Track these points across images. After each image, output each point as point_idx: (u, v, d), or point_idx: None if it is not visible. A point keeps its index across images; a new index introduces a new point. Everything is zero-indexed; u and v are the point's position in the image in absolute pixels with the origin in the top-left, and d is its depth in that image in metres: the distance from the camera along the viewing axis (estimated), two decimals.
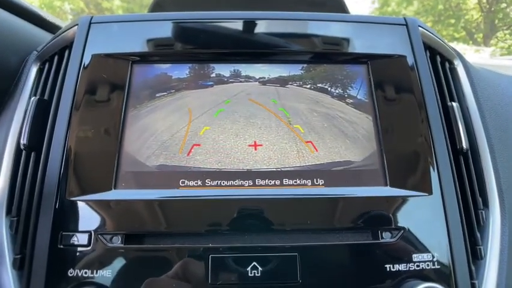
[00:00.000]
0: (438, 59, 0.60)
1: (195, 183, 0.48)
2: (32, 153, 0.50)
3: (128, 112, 0.51)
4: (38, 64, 0.60)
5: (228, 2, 0.97)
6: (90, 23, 0.56)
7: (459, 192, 0.49)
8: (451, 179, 0.49)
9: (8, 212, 0.49)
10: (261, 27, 0.56)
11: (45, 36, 0.74)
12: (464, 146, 0.52)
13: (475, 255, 0.48)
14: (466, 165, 0.52)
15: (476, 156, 0.54)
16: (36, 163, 0.50)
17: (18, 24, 0.67)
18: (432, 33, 0.60)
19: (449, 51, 0.61)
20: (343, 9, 0.98)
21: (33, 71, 0.59)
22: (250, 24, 0.56)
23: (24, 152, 0.51)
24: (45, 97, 0.54)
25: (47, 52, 0.59)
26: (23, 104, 0.55)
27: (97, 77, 0.52)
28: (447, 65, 0.61)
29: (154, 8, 0.95)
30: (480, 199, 0.51)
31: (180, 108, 0.52)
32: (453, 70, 0.61)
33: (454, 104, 0.54)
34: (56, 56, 0.58)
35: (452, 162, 0.50)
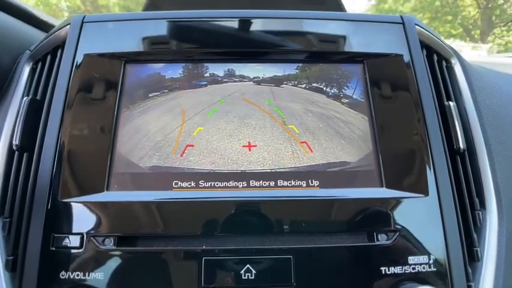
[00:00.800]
0: (435, 57, 0.59)
1: (189, 184, 0.47)
2: (25, 154, 0.50)
3: (121, 112, 0.50)
4: (31, 63, 0.59)
5: (224, 1, 0.96)
6: (82, 22, 0.55)
7: (456, 193, 0.49)
8: (447, 179, 0.48)
9: (1, 213, 0.48)
10: (255, 26, 0.56)
11: (38, 35, 0.73)
12: (462, 147, 0.51)
13: (472, 257, 0.47)
14: (463, 166, 0.52)
15: (473, 156, 0.53)
16: (29, 164, 0.49)
17: (10, 23, 0.66)
18: (429, 32, 0.59)
19: (446, 49, 0.61)
20: (340, 7, 0.97)
21: (26, 70, 0.58)
22: (244, 23, 0.56)
23: (16, 152, 0.50)
24: (38, 97, 0.53)
25: (39, 51, 0.58)
26: (16, 104, 0.54)
27: (89, 77, 0.51)
28: (444, 63, 0.60)
29: (149, 7, 0.94)
30: (477, 200, 0.51)
31: (173, 109, 0.51)
32: (450, 69, 0.60)
33: (451, 103, 0.54)
34: (49, 55, 0.57)
35: (449, 162, 0.50)
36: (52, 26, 0.78)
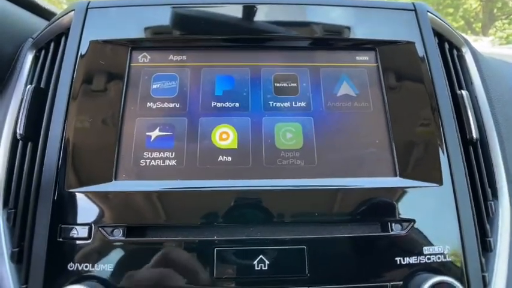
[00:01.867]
0: (446, 46, 0.58)
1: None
2: (29, 143, 0.49)
3: (128, 100, 0.49)
4: (34, 51, 0.57)
5: None
6: (87, 8, 0.54)
7: (469, 183, 0.48)
8: (461, 169, 0.48)
9: (5, 203, 0.47)
10: (263, 12, 0.54)
11: (40, 23, 0.72)
12: (474, 136, 0.50)
13: (485, 247, 0.47)
14: (475, 155, 0.51)
15: (485, 146, 0.53)
16: (34, 153, 0.48)
17: (12, 11, 0.65)
18: (441, 19, 0.58)
19: (457, 38, 0.60)
20: None
21: (29, 58, 0.57)
22: (252, 9, 0.54)
23: (20, 142, 0.49)
24: (42, 85, 0.52)
25: (42, 39, 0.57)
26: (19, 92, 0.53)
27: (95, 64, 0.50)
28: (455, 52, 0.59)
29: None
30: (489, 190, 0.50)
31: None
32: (461, 57, 0.59)
33: (463, 92, 0.53)
34: (52, 42, 0.56)
35: (463, 152, 0.49)
36: (54, 14, 0.77)
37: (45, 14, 0.75)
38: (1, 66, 0.57)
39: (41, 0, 0.75)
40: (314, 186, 0.45)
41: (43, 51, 0.57)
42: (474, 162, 0.51)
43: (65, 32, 0.55)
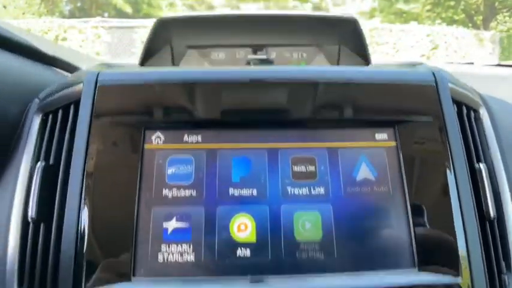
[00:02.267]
0: (464, 110, 0.56)
1: None
2: (42, 224, 0.47)
3: (143, 187, 0.48)
4: (40, 115, 0.55)
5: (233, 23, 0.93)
6: (96, 82, 0.51)
7: (487, 272, 0.47)
8: (480, 258, 0.47)
9: (21, 283, 0.46)
10: (279, 92, 0.53)
11: (45, 72, 0.70)
12: (492, 214, 0.49)
13: None
14: (491, 230, 0.50)
15: (501, 218, 0.52)
16: (47, 232, 0.46)
17: (15, 65, 0.62)
18: (459, 87, 0.57)
19: (474, 100, 0.58)
20: (359, 33, 0.91)
21: (36, 123, 0.54)
22: (267, 89, 0.53)
23: (32, 224, 0.48)
24: (51, 159, 0.50)
25: (49, 105, 0.55)
26: (27, 164, 0.51)
27: (108, 147, 0.49)
28: (472, 114, 0.57)
29: (156, 31, 0.89)
30: (503, 263, 0.49)
31: None
32: (478, 120, 0.58)
33: (481, 165, 0.51)
34: (60, 110, 0.53)
35: (480, 235, 0.48)
36: (59, 60, 0.75)
37: (49, 60, 0.73)
38: (6, 131, 0.55)
39: (42, 44, 0.72)
40: (334, 286, 0.45)
41: (50, 115, 0.54)
42: (490, 237, 0.50)
43: (73, 102, 0.52)
